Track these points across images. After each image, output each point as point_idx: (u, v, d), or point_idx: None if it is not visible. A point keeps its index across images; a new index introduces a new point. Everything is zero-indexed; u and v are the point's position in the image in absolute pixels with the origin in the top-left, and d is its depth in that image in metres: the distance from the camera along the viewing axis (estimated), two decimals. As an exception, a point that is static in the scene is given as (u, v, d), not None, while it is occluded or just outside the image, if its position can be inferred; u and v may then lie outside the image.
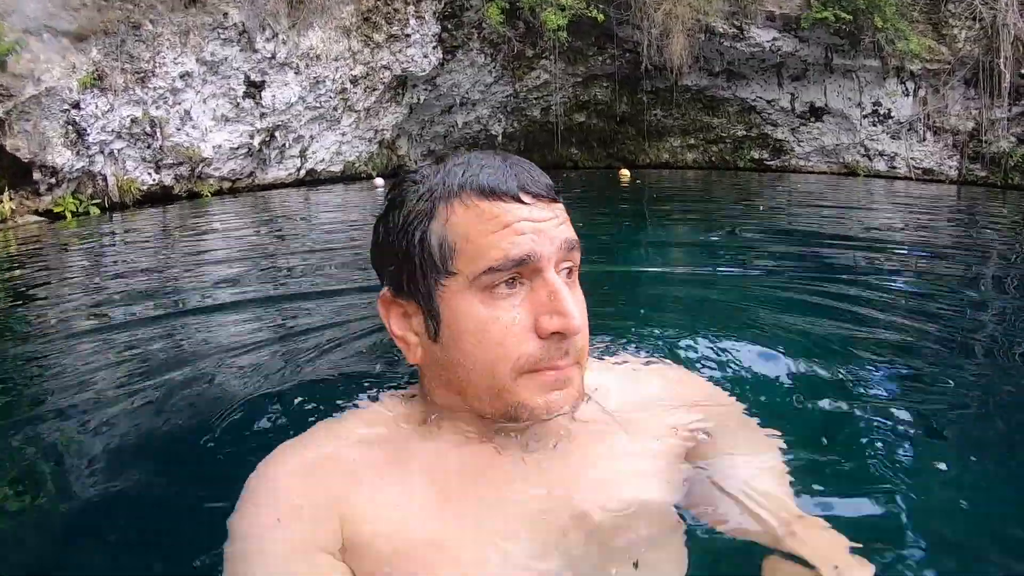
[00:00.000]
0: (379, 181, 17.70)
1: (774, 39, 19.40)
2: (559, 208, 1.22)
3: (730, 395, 1.66)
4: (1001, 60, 17.45)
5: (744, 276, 4.70)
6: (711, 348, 2.31)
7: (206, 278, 5.43)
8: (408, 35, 18.44)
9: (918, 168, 19.66)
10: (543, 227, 1.16)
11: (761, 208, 7.20)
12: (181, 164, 15.14)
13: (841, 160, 20.89)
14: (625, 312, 3.14)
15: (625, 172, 18.34)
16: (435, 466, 1.22)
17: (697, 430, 1.40)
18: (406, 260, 1.21)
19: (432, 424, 1.28)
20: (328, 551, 1.10)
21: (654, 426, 1.39)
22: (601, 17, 18.03)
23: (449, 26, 19.11)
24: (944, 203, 13.02)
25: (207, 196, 15.58)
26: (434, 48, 19.10)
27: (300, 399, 2.01)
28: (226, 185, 16.40)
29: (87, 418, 2.18)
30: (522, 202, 1.15)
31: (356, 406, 1.41)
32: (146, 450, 1.96)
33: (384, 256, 1.28)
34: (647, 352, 2.02)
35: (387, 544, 1.12)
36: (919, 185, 17.79)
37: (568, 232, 1.20)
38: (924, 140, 19.52)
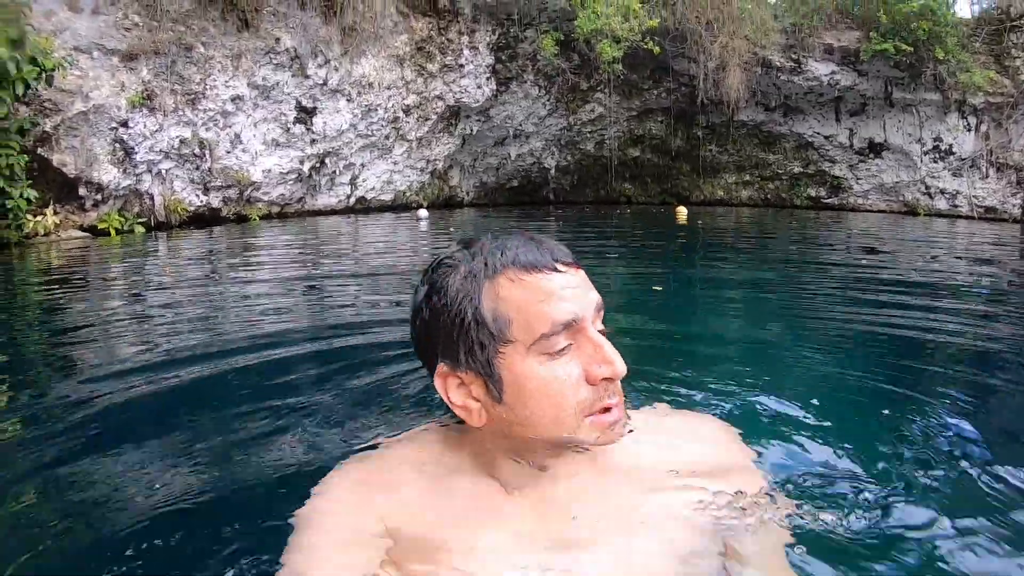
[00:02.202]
0: (423, 213, 17.20)
1: (832, 72, 18.68)
2: (584, 273, 1.37)
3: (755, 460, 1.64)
4: None
5: (808, 323, 3.99)
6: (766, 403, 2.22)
7: (248, 301, 5.07)
8: (462, 65, 18.16)
9: (980, 206, 18.62)
10: (579, 292, 1.31)
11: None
12: (230, 187, 14.94)
13: (901, 198, 19.97)
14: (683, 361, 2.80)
15: (682, 210, 17.66)
16: (470, 502, 1.35)
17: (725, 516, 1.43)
18: (461, 336, 1.32)
19: (477, 464, 1.40)
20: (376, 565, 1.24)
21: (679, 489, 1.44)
22: (657, 49, 17.47)
23: (503, 57, 18.79)
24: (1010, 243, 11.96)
25: (255, 220, 15.34)
26: (488, 79, 18.79)
27: (341, 422, 2.08)
28: (275, 210, 16.17)
29: (125, 454, 2.06)
30: (558, 271, 1.31)
31: (400, 434, 1.58)
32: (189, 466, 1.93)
33: (434, 336, 1.37)
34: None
35: (421, 565, 1.25)
36: (981, 224, 16.69)
37: (597, 295, 1.35)
38: (987, 177, 18.51)
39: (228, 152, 14.78)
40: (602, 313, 1.35)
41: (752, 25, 18.25)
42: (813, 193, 21.18)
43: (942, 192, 19.26)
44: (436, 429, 1.54)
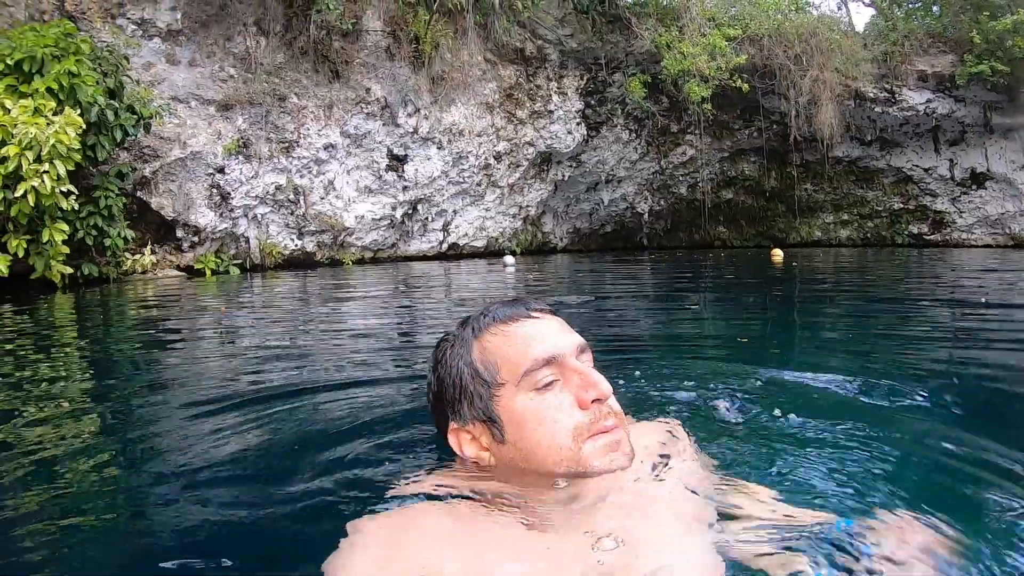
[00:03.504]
0: (509, 260, 16.84)
1: (928, 101, 17.78)
2: (560, 320, 1.59)
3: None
4: None
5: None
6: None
7: (337, 346, 4.90)
8: (551, 111, 18.17)
9: None
10: (554, 332, 1.52)
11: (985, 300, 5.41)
12: (324, 232, 15.26)
13: (1007, 230, 18.69)
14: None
15: (778, 252, 16.73)
16: (499, 538, 1.31)
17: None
18: (462, 392, 1.53)
19: (498, 502, 1.40)
20: None
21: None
22: (746, 87, 17.04)
23: (592, 102, 18.72)
24: None
25: (348, 264, 15.57)
26: (578, 124, 18.72)
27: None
28: (368, 255, 16.41)
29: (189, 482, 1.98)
30: (532, 317, 1.54)
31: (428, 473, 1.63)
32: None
33: (443, 401, 1.59)
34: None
35: None
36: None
37: (577, 337, 1.54)
38: None
39: (322, 198, 15.11)
40: (588, 354, 1.53)
41: (842, 56, 17.65)
42: (915, 230, 20.04)
43: (1051, 222, 17.87)
44: (456, 471, 1.60)
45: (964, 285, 9.16)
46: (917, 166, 19.32)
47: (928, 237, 19.85)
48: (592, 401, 1.44)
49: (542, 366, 1.45)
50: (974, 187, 18.90)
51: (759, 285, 9.85)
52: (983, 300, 6.77)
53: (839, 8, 22.83)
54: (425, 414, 1.80)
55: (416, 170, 16.51)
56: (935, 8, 19.94)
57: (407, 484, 1.58)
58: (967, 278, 10.15)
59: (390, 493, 1.56)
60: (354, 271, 14.12)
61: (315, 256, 15.29)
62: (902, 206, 20.02)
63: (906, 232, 20.10)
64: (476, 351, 1.53)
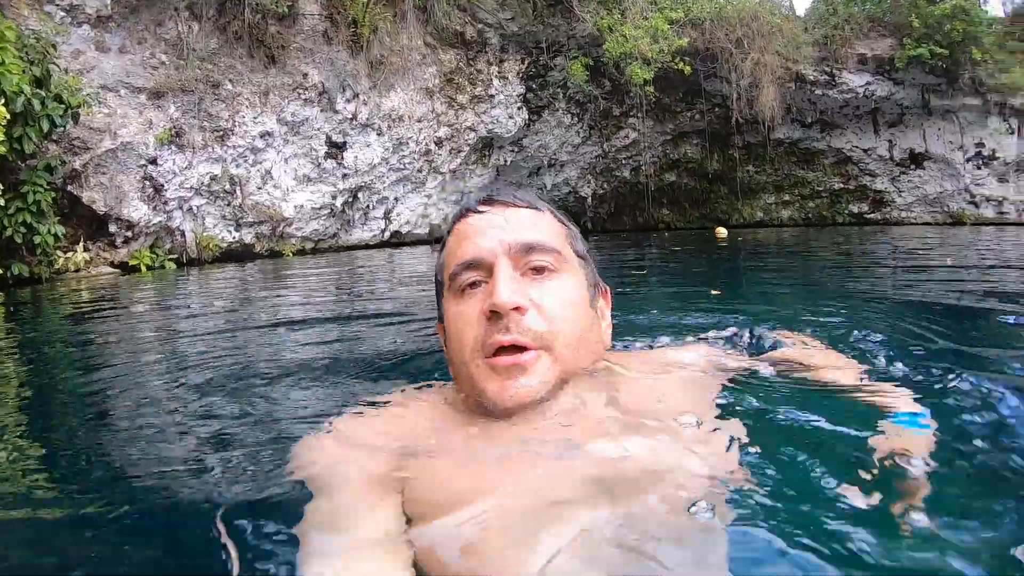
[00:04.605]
0: None
1: (867, 83, 18.26)
2: (520, 212, 1.40)
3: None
4: None
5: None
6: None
7: (275, 334, 4.77)
8: (492, 96, 18.13)
9: None
10: (491, 231, 1.35)
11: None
12: (262, 223, 15.01)
13: (945, 208, 19.37)
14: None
15: (722, 230, 17.30)
16: (466, 438, 1.30)
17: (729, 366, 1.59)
18: (435, 289, 1.53)
19: (462, 407, 1.38)
20: (391, 483, 1.20)
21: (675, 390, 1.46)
22: (688, 70, 17.22)
23: (534, 86, 18.73)
24: None
25: (289, 255, 15.35)
26: (519, 109, 18.72)
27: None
28: (308, 245, 16.21)
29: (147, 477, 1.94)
30: (477, 211, 1.40)
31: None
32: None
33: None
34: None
35: (426, 491, 1.19)
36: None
37: (522, 234, 1.35)
38: None
39: (259, 188, 14.86)
40: (540, 256, 1.36)
41: (783, 40, 17.98)
42: (855, 209, 20.63)
43: (988, 199, 18.66)
44: (439, 386, 1.59)
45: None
46: (857, 147, 19.85)
47: (868, 216, 20.44)
48: (490, 312, 1.29)
49: (464, 269, 1.35)
50: (913, 167, 19.50)
51: (715, 258, 10.22)
52: (948, 261, 7.25)
53: None
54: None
55: (356, 157, 16.33)
56: None
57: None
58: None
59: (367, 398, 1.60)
60: (294, 262, 13.91)
61: (254, 248, 15.04)
62: (842, 186, 20.57)
63: (846, 211, 20.67)
64: (443, 248, 1.48)
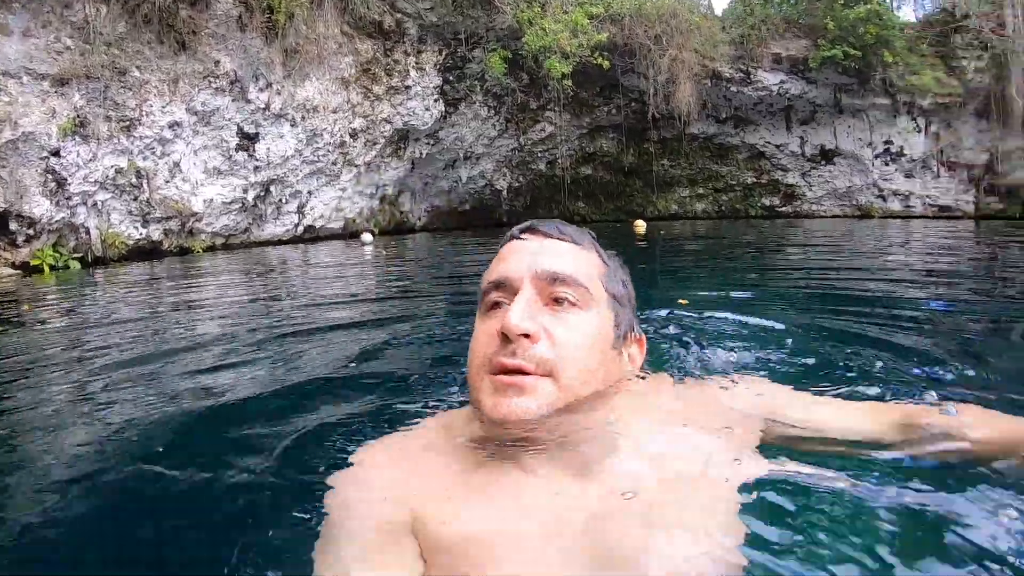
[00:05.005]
0: (367, 238, 16.43)
1: (781, 82, 18.79)
2: (556, 244, 1.40)
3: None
4: (1013, 88, 16.82)
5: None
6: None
7: (187, 338, 4.52)
8: (409, 87, 17.74)
9: (934, 205, 19.05)
10: (523, 256, 1.36)
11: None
12: (170, 218, 14.24)
13: (854, 202, 20.21)
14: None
15: (640, 223, 17.40)
16: (478, 471, 1.26)
17: (772, 420, 1.41)
18: None
19: (476, 436, 1.35)
20: (403, 529, 1.19)
21: (709, 420, 1.37)
22: (607, 64, 17.29)
23: (451, 78, 18.44)
24: (965, 239, 12.02)
25: (198, 252, 14.63)
26: (436, 101, 18.40)
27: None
28: (219, 241, 15.49)
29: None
30: (519, 238, 1.43)
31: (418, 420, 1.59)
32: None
33: None
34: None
35: (439, 532, 1.18)
36: (936, 223, 16.87)
37: (550, 264, 1.34)
38: (939, 176, 18.87)
39: (167, 181, 14.08)
40: (565, 289, 1.34)
41: (700, 38, 18.28)
42: (767, 202, 21.28)
43: (895, 194, 19.55)
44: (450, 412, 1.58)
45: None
46: (770, 143, 20.44)
47: (780, 209, 21.15)
48: (500, 332, 1.30)
49: (492, 288, 1.37)
50: (823, 162, 20.24)
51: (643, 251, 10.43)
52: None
53: None
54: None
55: (268, 149, 15.70)
56: None
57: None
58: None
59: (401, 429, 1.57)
60: (204, 259, 13.25)
61: (162, 245, 14.26)
62: (755, 180, 21.17)
63: (759, 204, 21.32)
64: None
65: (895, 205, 19.52)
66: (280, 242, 16.83)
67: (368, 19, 16.47)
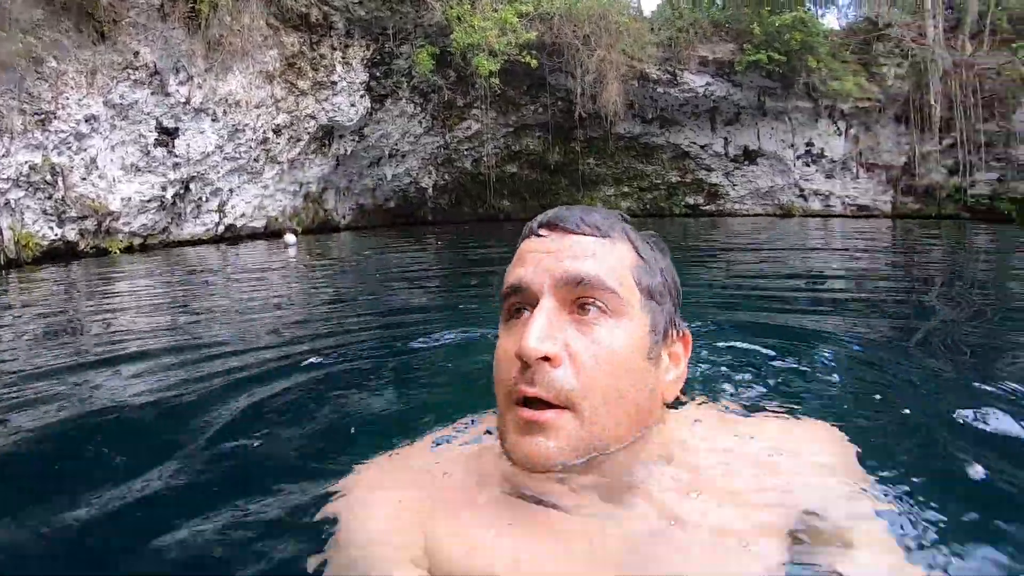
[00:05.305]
0: (290, 238, 15.83)
1: (707, 84, 19.12)
2: (579, 241, 1.21)
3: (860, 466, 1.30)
4: (931, 95, 17.58)
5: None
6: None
7: (106, 346, 4.20)
8: (335, 82, 17.24)
9: (853, 205, 19.82)
10: (544, 258, 1.19)
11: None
12: (87, 217, 13.42)
13: (776, 201, 20.76)
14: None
15: None
16: (499, 501, 1.18)
17: (810, 511, 1.14)
18: None
19: (495, 459, 1.24)
20: (414, 562, 1.11)
21: (748, 492, 1.18)
22: (535, 63, 17.22)
23: (378, 74, 18.01)
24: (883, 237, 12.87)
25: (116, 253, 13.85)
26: (362, 97, 17.95)
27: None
28: (137, 241, 14.69)
29: None
30: (537, 235, 1.24)
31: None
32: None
33: None
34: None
35: (454, 567, 1.10)
36: (855, 222, 17.62)
37: (573, 266, 1.17)
38: (858, 177, 19.67)
39: (84, 179, 13.27)
40: (590, 291, 1.17)
41: (629, 39, 18.41)
42: (691, 201, 21.69)
43: (815, 193, 20.20)
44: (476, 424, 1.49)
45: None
46: (694, 143, 20.80)
47: (703, 208, 21.61)
48: (516, 355, 1.15)
49: (511, 292, 1.22)
50: (746, 163, 20.74)
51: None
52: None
53: None
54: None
55: (188, 145, 14.99)
56: (719, 1, 21.73)
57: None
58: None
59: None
60: (121, 261, 12.55)
61: (78, 246, 13.42)
62: (679, 179, 21.54)
63: (683, 203, 21.73)
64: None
65: (815, 204, 20.19)
66: (200, 242, 16.12)
67: (295, 11, 15.93)
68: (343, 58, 17.23)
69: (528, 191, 22.35)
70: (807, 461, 1.24)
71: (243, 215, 17.07)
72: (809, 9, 19.61)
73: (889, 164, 19.15)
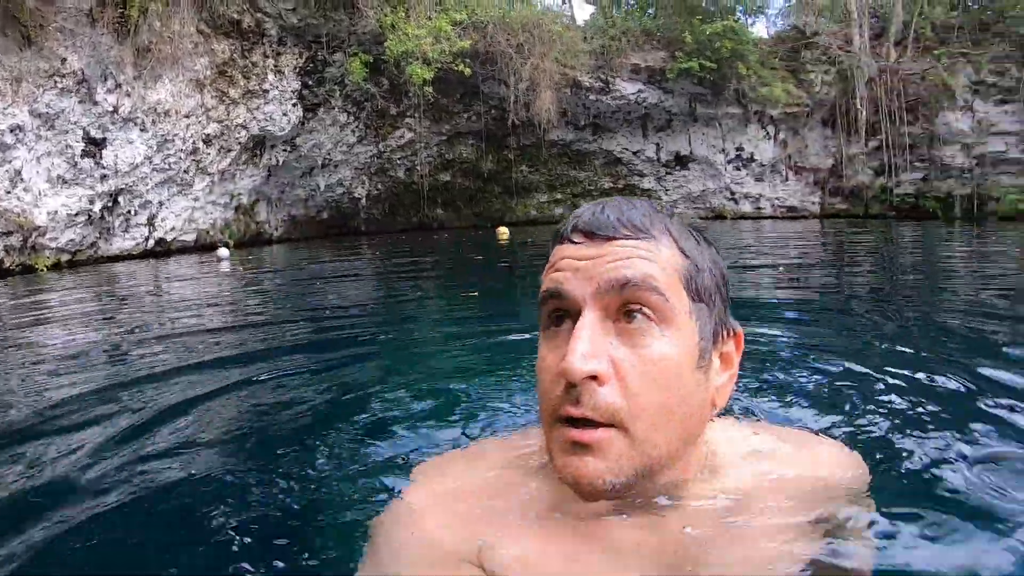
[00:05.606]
0: (223, 252, 15.28)
1: (639, 91, 19.40)
2: (621, 246, 1.11)
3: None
4: (857, 100, 18.24)
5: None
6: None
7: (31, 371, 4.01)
8: (266, 91, 16.81)
9: (782, 206, 20.40)
10: (582, 265, 1.11)
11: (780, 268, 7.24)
12: (11, 233, 12.71)
13: (708, 205, 21.20)
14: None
15: (503, 230, 17.53)
16: (548, 517, 1.15)
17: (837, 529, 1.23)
18: None
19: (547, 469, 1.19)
20: (463, 565, 1.10)
21: (791, 522, 1.20)
22: (468, 71, 17.18)
23: (310, 82, 17.64)
24: (813, 235, 13.38)
25: (43, 270, 13.13)
26: (294, 105, 17.54)
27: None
28: (64, 257, 13.97)
29: None
30: (572, 242, 1.14)
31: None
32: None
33: None
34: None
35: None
36: (785, 222, 18.16)
37: (618, 271, 1.08)
38: (787, 180, 20.26)
39: (8, 192, 12.58)
40: (642, 294, 1.07)
41: (562, 47, 18.53)
42: (624, 207, 21.90)
43: (746, 196, 20.73)
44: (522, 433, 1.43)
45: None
46: (627, 149, 21.06)
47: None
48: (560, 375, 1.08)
49: (548, 298, 1.13)
50: (678, 168, 21.13)
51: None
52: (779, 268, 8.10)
53: (563, 3, 24.22)
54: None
55: (116, 156, 14.37)
56: (651, 10, 22.12)
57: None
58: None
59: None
60: (48, 279, 11.88)
61: (3, 264, 12.68)
62: (612, 185, 21.77)
63: (616, 208, 21.90)
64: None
65: (746, 207, 20.71)
66: (130, 257, 15.43)
67: (226, 18, 15.47)
68: (275, 66, 16.82)
69: (462, 199, 22.25)
70: (838, 486, 1.29)
71: (173, 228, 16.44)
72: (739, 18, 20.18)
73: (817, 167, 19.84)
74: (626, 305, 1.08)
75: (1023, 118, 17.83)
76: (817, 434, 1.52)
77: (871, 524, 1.27)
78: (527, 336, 3.68)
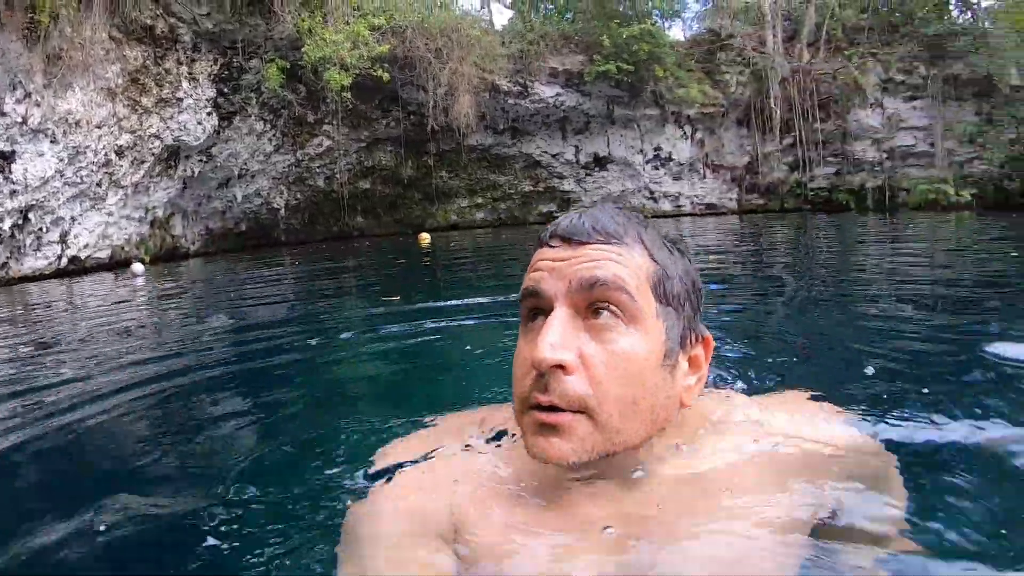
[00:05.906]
0: (138, 267, 14.65)
1: (558, 94, 19.59)
2: (593, 248, 1.19)
3: (879, 441, 1.43)
4: (772, 99, 18.90)
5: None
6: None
7: None
8: (180, 99, 16.20)
9: (701, 204, 20.92)
10: (557, 265, 1.18)
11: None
12: (-84, 253, 11.86)
13: (628, 204, 21.43)
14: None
15: (425, 236, 17.45)
16: (517, 489, 1.23)
17: (831, 499, 1.23)
18: None
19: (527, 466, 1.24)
20: (439, 539, 1.16)
21: (769, 487, 1.22)
22: (387, 77, 16.98)
23: (225, 90, 17.10)
24: (732, 230, 13.83)
25: (-48, 292, 12.31)
26: (209, 114, 16.97)
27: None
28: (-27, 279, 13.11)
29: None
30: (550, 246, 1.22)
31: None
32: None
33: None
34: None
35: (479, 556, 1.15)
36: (704, 219, 18.62)
37: (589, 271, 1.16)
38: (704, 178, 20.79)
39: (-88, 209, 11.72)
40: (610, 293, 1.14)
41: (481, 51, 18.55)
42: (545, 209, 22.12)
43: (665, 195, 21.18)
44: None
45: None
46: (546, 152, 21.22)
47: (557, 215, 21.86)
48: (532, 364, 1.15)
49: (526, 296, 1.21)
50: (597, 169, 21.42)
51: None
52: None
53: (481, 7, 24.16)
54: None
55: (26, 170, 13.55)
56: (569, 15, 22.37)
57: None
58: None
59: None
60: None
61: (-90, 285, 11.83)
62: (532, 188, 21.90)
63: (537, 211, 22.08)
64: None
65: (666, 205, 21.17)
66: (43, 276, 14.58)
67: (139, 23, 14.84)
68: (189, 73, 16.25)
69: (382, 206, 21.98)
70: (824, 456, 1.28)
71: (87, 245, 15.63)
72: (656, 22, 20.63)
73: (733, 165, 20.48)
74: (595, 303, 1.15)
75: (931, 114, 18.81)
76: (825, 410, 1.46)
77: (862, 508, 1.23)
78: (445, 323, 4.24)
